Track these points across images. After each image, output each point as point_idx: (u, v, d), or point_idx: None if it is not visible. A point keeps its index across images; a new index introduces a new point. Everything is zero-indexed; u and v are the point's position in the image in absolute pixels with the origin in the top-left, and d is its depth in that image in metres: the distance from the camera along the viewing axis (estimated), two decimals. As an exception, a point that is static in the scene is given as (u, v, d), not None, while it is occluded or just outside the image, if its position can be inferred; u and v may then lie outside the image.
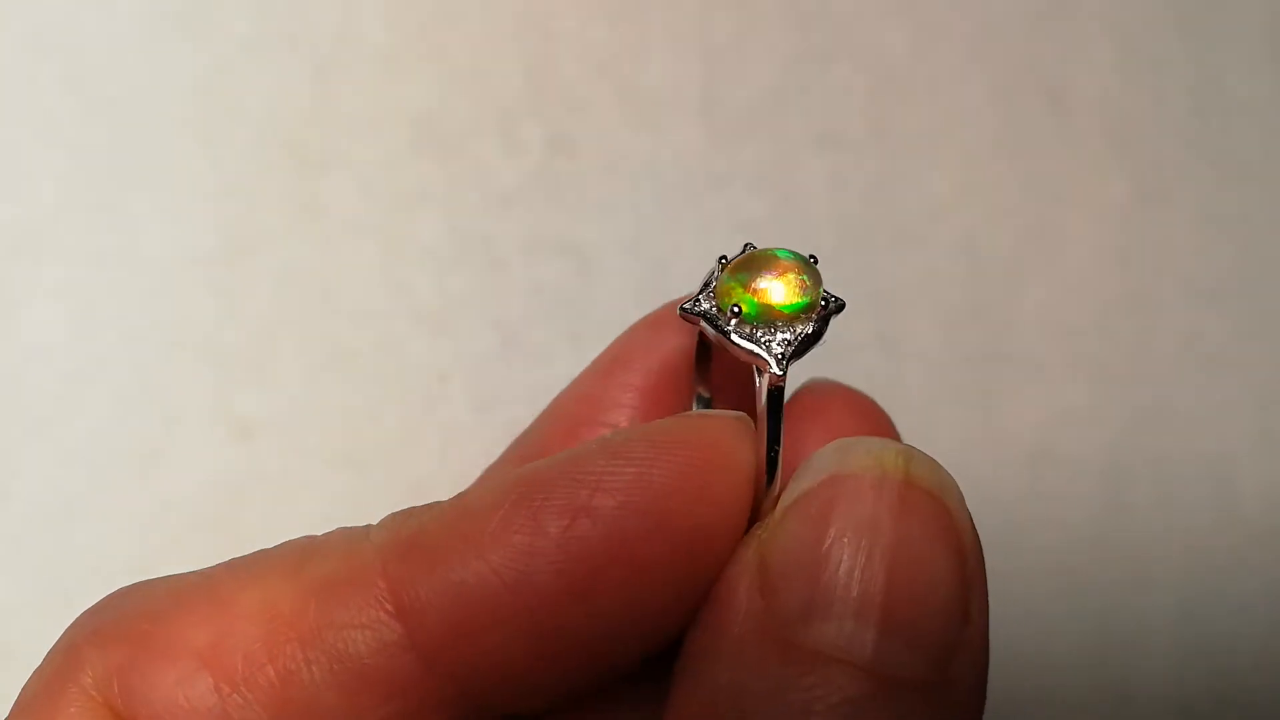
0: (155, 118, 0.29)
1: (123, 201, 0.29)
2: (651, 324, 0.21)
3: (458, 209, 0.30)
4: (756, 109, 0.32)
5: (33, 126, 0.29)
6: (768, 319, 0.17)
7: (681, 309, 0.18)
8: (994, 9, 0.33)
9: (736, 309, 0.17)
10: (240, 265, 0.29)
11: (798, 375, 0.19)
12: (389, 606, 0.16)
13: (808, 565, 0.15)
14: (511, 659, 0.16)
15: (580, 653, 0.16)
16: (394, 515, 0.17)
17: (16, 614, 0.28)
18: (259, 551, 0.17)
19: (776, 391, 0.17)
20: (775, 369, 0.17)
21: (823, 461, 0.16)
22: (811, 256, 0.18)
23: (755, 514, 0.17)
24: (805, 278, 0.17)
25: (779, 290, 0.17)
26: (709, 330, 0.18)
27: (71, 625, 0.17)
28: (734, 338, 0.17)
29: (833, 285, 0.18)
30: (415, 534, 0.16)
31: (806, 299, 0.17)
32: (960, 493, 0.16)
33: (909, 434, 0.32)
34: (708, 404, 0.21)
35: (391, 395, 0.30)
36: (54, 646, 0.17)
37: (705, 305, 0.18)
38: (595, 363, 0.22)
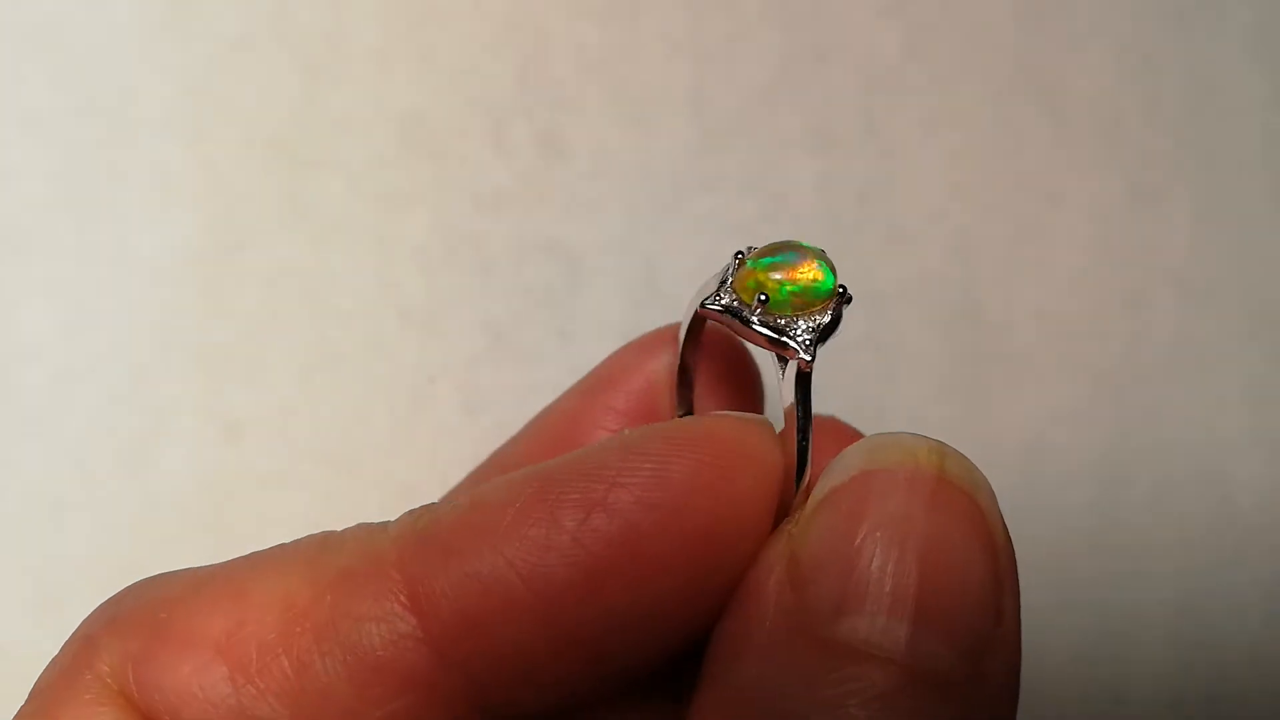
0: (144, 116, 0.29)
1: (112, 200, 0.29)
2: (640, 348, 0.21)
3: (447, 209, 0.30)
4: (747, 109, 0.32)
5: (22, 125, 0.29)
6: (792, 304, 0.17)
7: (702, 305, 0.18)
8: (986, 8, 0.33)
9: (763, 297, 0.17)
10: (229, 264, 0.29)
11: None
12: (403, 599, 0.16)
13: (841, 559, 0.15)
14: (524, 653, 0.16)
15: (594, 649, 0.16)
16: (411, 510, 0.17)
17: (6, 613, 0.28)
18: (277, 546, 0.17)
19: (805, 378, 0.17)
20: (803, 354, 0.17)
21: (855, 457, 0.16)
22: (820, 250, 0.18)
23: (783, 509, 0.17)
24: (824, 266, 0.17)
25: (806, 276, 0.17)
26: (732, 324, 0.18)
27: (90, 615, 0.17)
28: (758, 327, 0.17)
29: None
30: (430, 526, 0.16)
31: (831, 279, 0.17)
32: (992, 490, 0.16)
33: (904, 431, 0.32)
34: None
35: (380, 395, 0.30)
36: (71, 635, 0.17)
37: (727, 299, 0.18)
38: (580, 383, 0.22)
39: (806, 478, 0.17)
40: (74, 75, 0.29)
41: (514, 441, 0.22)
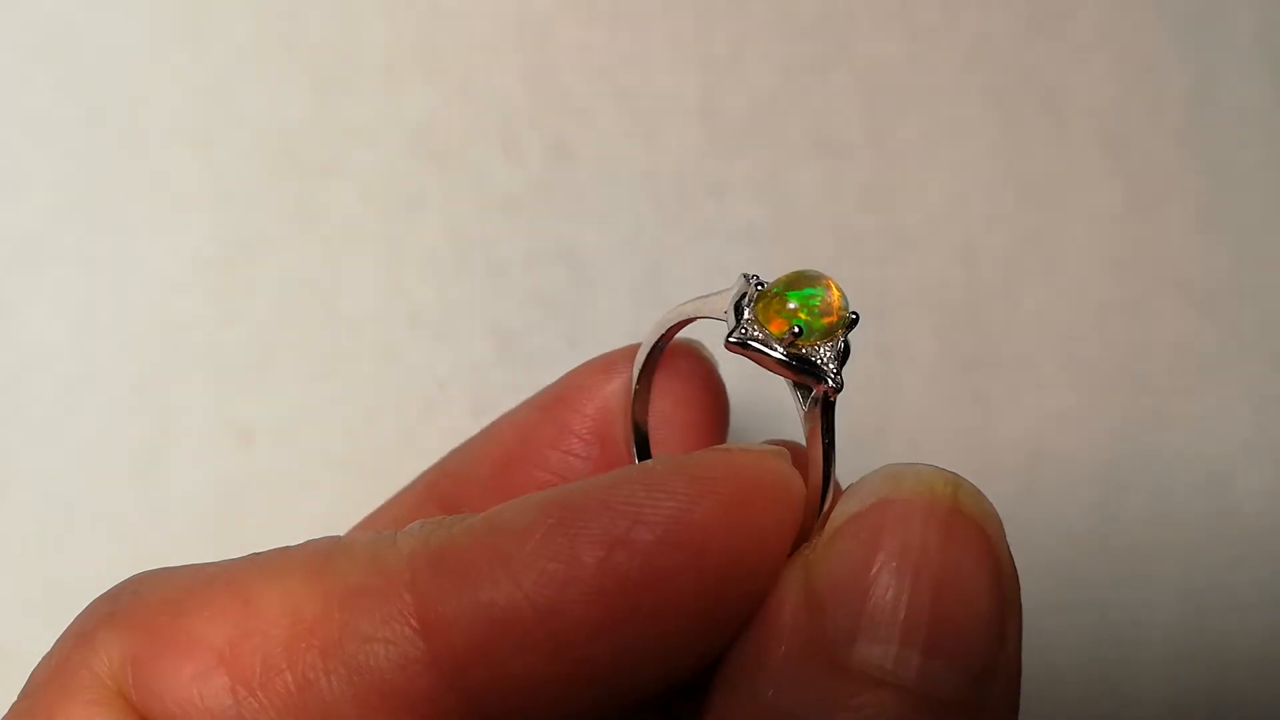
0: (155, 124, 0.29)
1: (123, 207, 0.29)
2: (597, 369, 0.21)
3: (457, 216, 0.30)
4: (754, 116, 0.32)
5: (33, 133, 0.29)
6: (821, 334, 0.17)
7: (728, 342, 0.18)
8: (989, 17, 0.34)
9: (798, 330, 0.17)
10: (240, 271, 0.29)
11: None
12: (414, 623, 0.15)
13: (856, 587, 0.15)
14: (534, 684, 0.16)
15: (604, 681, 0.16)
16: (423, 523, 0.17)
17: (16, 617, 0.28)
18: (282, 548, 0.17)
19: (830, 405, 0.17)
20: (831, 382, 0.17)
21: (872, 486, 0.16)
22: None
23: (802, 534, 0.17)
24: (841, 294, 0.18)
25: (829, 305, 0.17)
26: (761, 354, 0.17)
27: (87, 609, 0.17)
28: (788, 360, 0.17)
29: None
30: (445, 547, 0.16)
31: (848, 313, 0.17)
32: (1000, 521, 0.16)
33: (907, 438, 0.32)
34: (644, 440, 0.21)
35: (390, 401, 0.30)
36: (67, 629, 0.17)
37: (754, 332, 0.17)
38: (536, 398, 0.22)
39: (828, 504, 0.17)
40: (84, 83, 0.29)
41: (466, 450, 0.22)
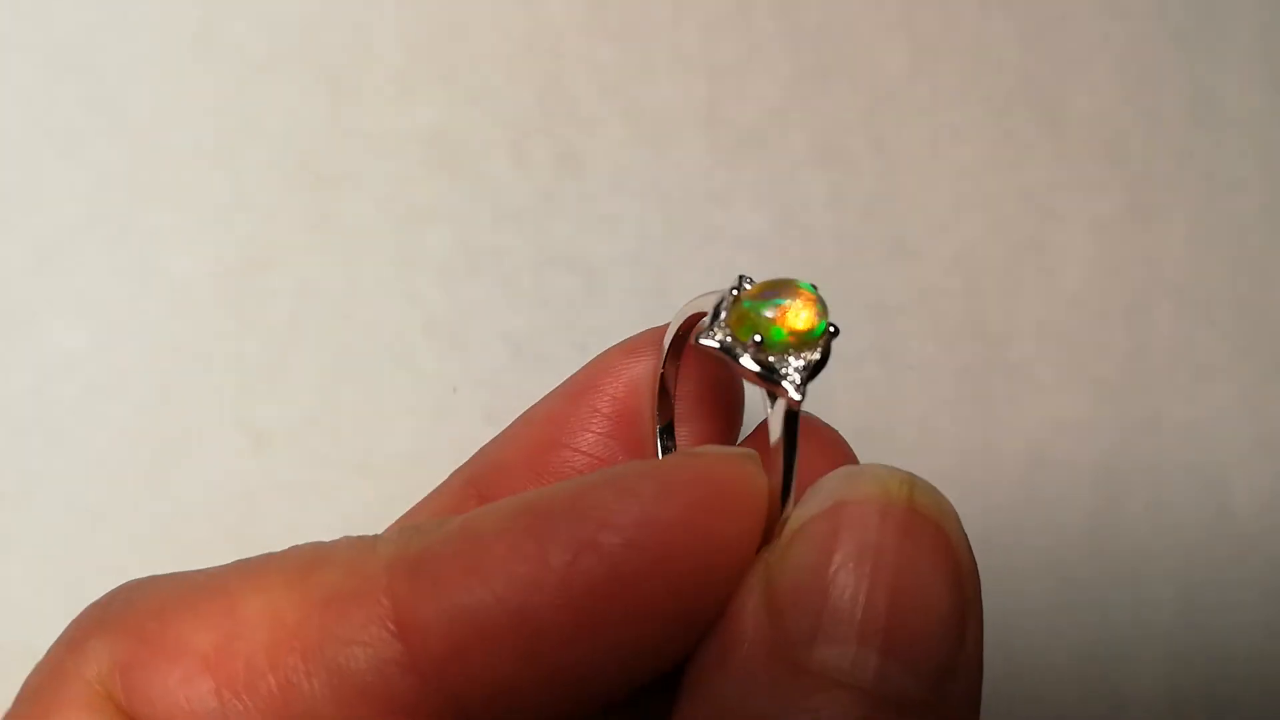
0: (175, 136, 0.30)
1: (143, 218, 0.29)
2: (624, 351, 0.22)
3: (469, 225, 0.31)
4: (758, 127, 0.32)
5: (56, 146, 0.29)
6: (786, 346, 0.17)
7: (697, 341, 0.18)
8: (990, 26, 0.34)
9: (759, 339, 0.17)
10: (257, 280, 0.30)
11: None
12: (391, 625, 0.16)
13: (814, 589, 0.15)
14: (507, 684, 0.16)
15: (577, 681, 0.16)
16: (401, 529, 0.17)
17: (39, 618, 0.28)
18: (266, 555, 0.17)
19: (793, 415, 0.17)
20: (794, 394, 0.17)
21: (829, 487, 0.16)
22: (812, 285, 0.18)
23: (765, 537, 0.17)
24: (820, 306, 0.18)
25: (803, 316, 0.17)
26: (725, 359, 0.18)
27: (78, 617, 0.17)
28: (751, 366, 0.17)
29: (833, 298, 0.18)
30: (421, 553, 0.16)
31: (823, 324, 0.17)
32: (959, 519, 0.16)
33: (908, 444, 0.32)
34: (669, 429, 0.21)
35: (404, 406, 0.30)
36: (60, 637, 0.17)
37: (721, 337, 0.18)
38: (565, 385, 0.22)
39: (789, 509, 0.17)
40: (105, 97, 0.30)
41: (500, 441, 0.22)
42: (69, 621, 0.18)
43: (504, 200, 0.31)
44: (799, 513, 0.16)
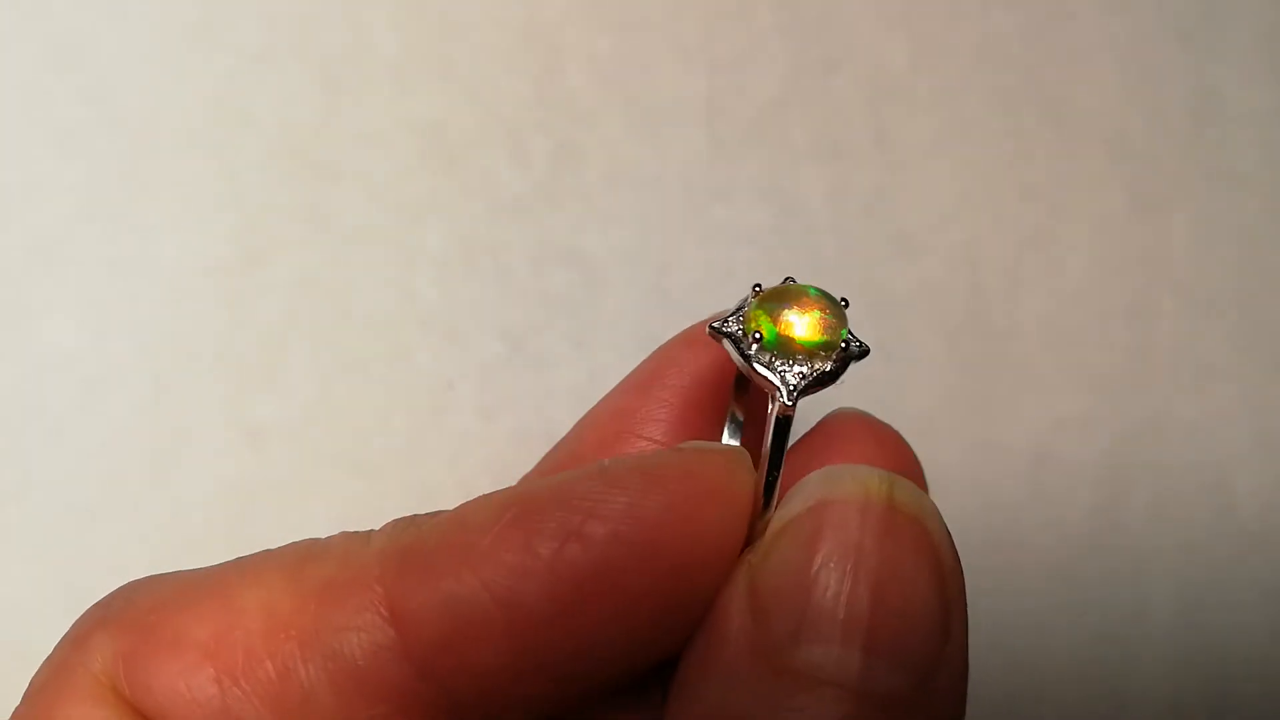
0: (169, 130, 0.30)
1: (137, 212, 0.29)
2: (685, 341, 0.22)
3: (466, 218, 0.31)
4: (759, 120, 0.32)
5: (50, 139, 0.29)
6: (787, 350, 0.17)
7: (710, 327, 0.18)
8: (992, 22, 0.34)
9: (758, 335, 0.17)
10: (252, 274, 0.30)
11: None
12: (384, 611, 0.16)
13: (797, 589, 0.16)
14: (497, 671, 0.16)
15: (565, 670, 0.16)
16: (395, 522, 0.17)
17: (35, 615, 0.28)
18: (264, 551, 0.18)
19: (783, 421, 0.17)
20: (784, 399, 0.17)
21: (810, 488, 0.17)
22: (843, 299, 0.18)
23: (750, 537, 0.17)
24: (830, 317, 0.18)
25: (802, 325, 0.18)
26: (731, 352, 0.18)
27: (82, 615, 0.18)
28: (753, 363, 0.18)
29: (834, 293, 0.18)
30: (414, 543, 0.17)
31: (825, 338, 0.18)
32: (940, 516, 0.17)
33: (911, 441, 0.32)
34: (741, 426, 0.21)
35: (401, 402, 0.30)
36: (65, 635, 0.18)
37: (733, 327, 0.18)
38: (631, 377, 0.22)
39: (772, 509, 0.17)
40: (99, 90, 0.30)
41: (570, 437, 0.22)
42: (67, 619, 0.18)
43: (501, 194, 0.31)
44: (781, 512, 0.17)
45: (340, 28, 0.30)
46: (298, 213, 0.30)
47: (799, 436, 0.22)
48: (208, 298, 0.29)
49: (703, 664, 0.16)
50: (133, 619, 0.17)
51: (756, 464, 0.18)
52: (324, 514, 0.29)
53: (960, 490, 0.29)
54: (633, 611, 0.16)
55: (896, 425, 0.32)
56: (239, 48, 0.30)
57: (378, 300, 0.30)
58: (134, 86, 0.30)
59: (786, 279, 0.19)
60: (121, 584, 0.19)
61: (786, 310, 0.18)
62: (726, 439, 0.21)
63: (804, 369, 0.17)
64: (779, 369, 0.17)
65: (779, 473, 0.17)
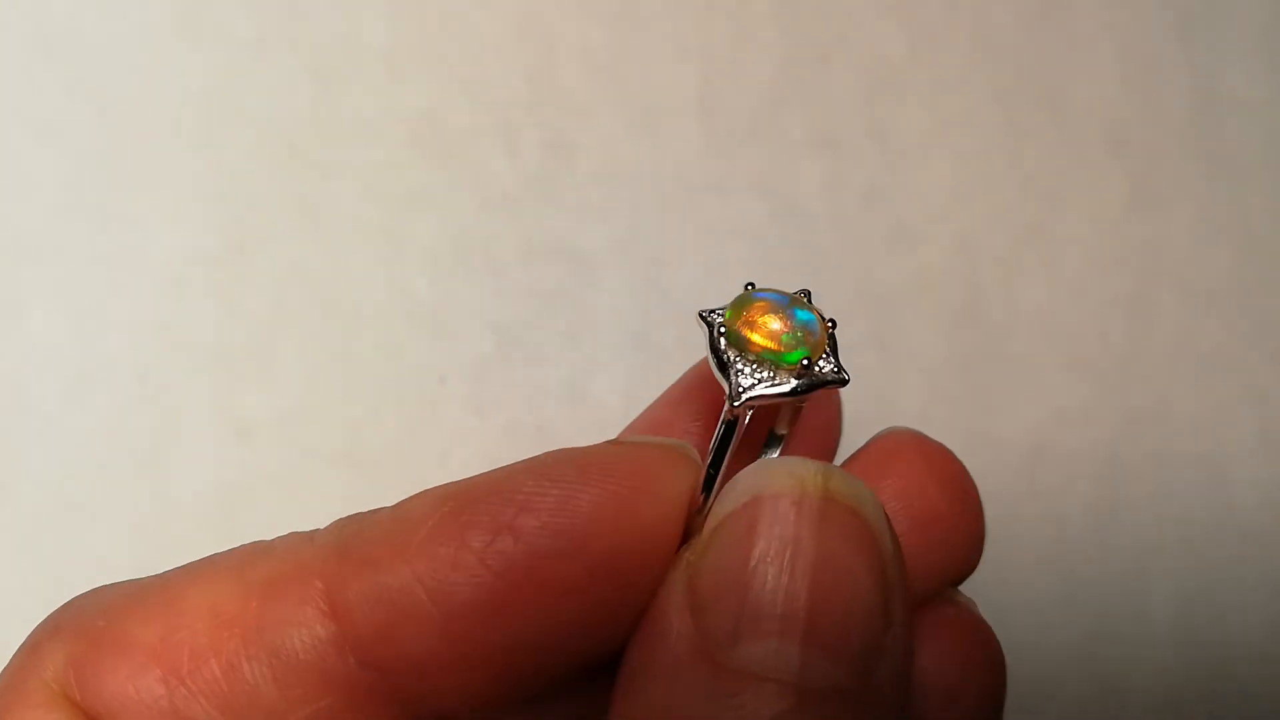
0: (157, 120, 0.29)
1: (125, 203, 0.29)
2: None
3: (457, 211, 0.30)
4: (754, 112, 0.32)
5: (35, 129, 0.29)
6: (742, 349, 0.18)
7: (700, 312, 0.18)
8: (991, 11, 0.34)
9: (723, 329, 0.18)
10: (241, 267, 0.29)
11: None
12: (323, 605, 0.17)
13: (734, 586, 0.16)
14: (435, 661, 0.16)
15: (502, 662, 0.17)
16: (341, 519, 0.18)
17: (19, 613, 0.28)
18: (211, 556, 0.18)
19: (729, 422, 0.17)
20: (730, 398, 0.17)
21: (745, 483, 0.17)
22: (831, 321, 0.18)
23: (689, 532, 0.17)
24: (789, 336, 0.18)
25: (759, 329, 0.18)
26: (707, 340, 0.18)
27: (37, 626, 0.18)
28: (721, 355, 0.18)
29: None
30: (353, 537, 0.17)
31: (771, 347, 0.17)
32: (878, 502, 0.17)
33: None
34: (781, 440, 0.21)
35: (392, 396, 0.30)
36: (20, 645, 0.18)
37: (717, 317, 0.18)
38: (668, 392, 0.22)
39: (709, 504, 0.17)
40: (86, 81, 0.29)
41: None
42: (49, 613, 0.18)
43: (493, 187, 0.31)
44: (717, 509, 0.17)
45: (331, 18, 0.30)
46: (287, 205, 0.30)
47: (847, 455, 0.22)
48: (196, 291, 0.29)
49: (645, 663, 0.16)
50: (82, 625, 0.17)
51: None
52: (314, 509, 0.29)
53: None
54: (567, 604, 0.16)
55: (893, 418, 0.32)
56: (228, 38, 0.30)
57: (368, 294, 0.30)
58: (121, 77, 0.29)
59: (801, 291, 0.18)
60: (106, 579, 0.19)
61: (756, 312, 0.18)
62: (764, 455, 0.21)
63: (760, 376, 0.17)
64: (740, 370, 0.17)
65: (719, 470, 0.17)
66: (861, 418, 0.31)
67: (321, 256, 0.30)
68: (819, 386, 0.18)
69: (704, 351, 0.20)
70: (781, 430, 0.21)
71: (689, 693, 0.15)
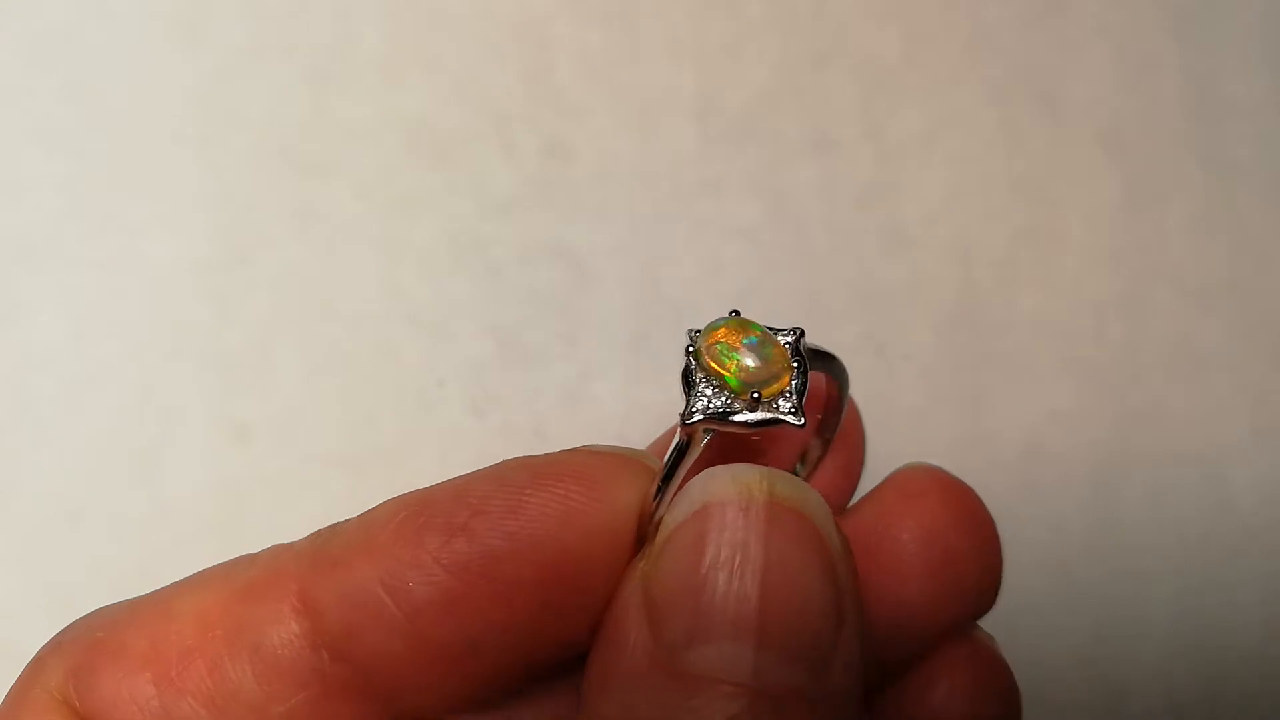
0: (154, 126, 0.29)
1: (122, 209, 0.29)
2: None
3: (454, 215, 0.30)
4: (750, 113, 0.32)
5: (33, 136, 0.29)
6: (705, 370, 0.18)
7: (689, 330, 0.18)
8: (987, 12, 0.34)
9: (692, 347, 0.18)
10: (239, 271, 0.29)
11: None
12: (297, 604, 0.18)
13: (687, 593, 0.16)
14: (399, 657, 0.17)
15: (463, 660, 0.17)
16: (320, 529, 0.19)
17: (19, 616, 0.28)
18: (205, 569, 0.19)
19: (682, 442, 0.18)
20: (680, 419, 0.18)
21: (694, 492, 0.17)
22: (798, 361, 0.18)
23: (642, 539, 0.18)
24: (742, 369, 0.18)
25: (711, 352, 0.18)
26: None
27: (43, 645, 0.19)
28: (690, 374, 0.18)
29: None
30: (325, 542, 0.18)
31: (718, 372, 0.18)
32: (823, 503, 0.17)
33: (903, 435, 0.32)
34: (816, 464, 0.22)
35: (389, 399, 0.30)
36: (28, 663, 0.19)
37: (696, 335, 0.18)
38: None
39: (660, 511, 0.18)
40: (83, 87, 0.29)
41: None
42: (52, 618, 0.20)
43: (490, 190, 0.31)
44: (668, 519, 0.17)
45: (326, 22, 0.30)
46: (284, 209, 0.30)
47: (867, 490, 0.22)
48: (194, 295, 0.29)
49: (605, 672, 0.17)
50: (82, 638, 0.18)
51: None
52: (312, 512, 0.28)
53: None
54: (521, 603, 0.17)
55: (888, 419, 0.32)
56: (224, 43, 0.30)
57: (366, 297, 0.30)
58: (118, 83, 0.29)
59: (792, 329, 0.19)
60: (112, 590, 0.20)
61: (721, 338, 0.18)
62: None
63: (716, 404, 0.18)
64: (700, 393, 0.18)
65: (669, 483, 0.18)
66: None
67: (319, 260, 0.30)
68: (770, 425, 0.18)
69: None
70: (818, 452, 0.21)
71: (648, 699, 0.16)
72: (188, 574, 0.19)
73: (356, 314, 0.30)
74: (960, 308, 0.33)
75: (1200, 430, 0.33)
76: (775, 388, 0.18)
